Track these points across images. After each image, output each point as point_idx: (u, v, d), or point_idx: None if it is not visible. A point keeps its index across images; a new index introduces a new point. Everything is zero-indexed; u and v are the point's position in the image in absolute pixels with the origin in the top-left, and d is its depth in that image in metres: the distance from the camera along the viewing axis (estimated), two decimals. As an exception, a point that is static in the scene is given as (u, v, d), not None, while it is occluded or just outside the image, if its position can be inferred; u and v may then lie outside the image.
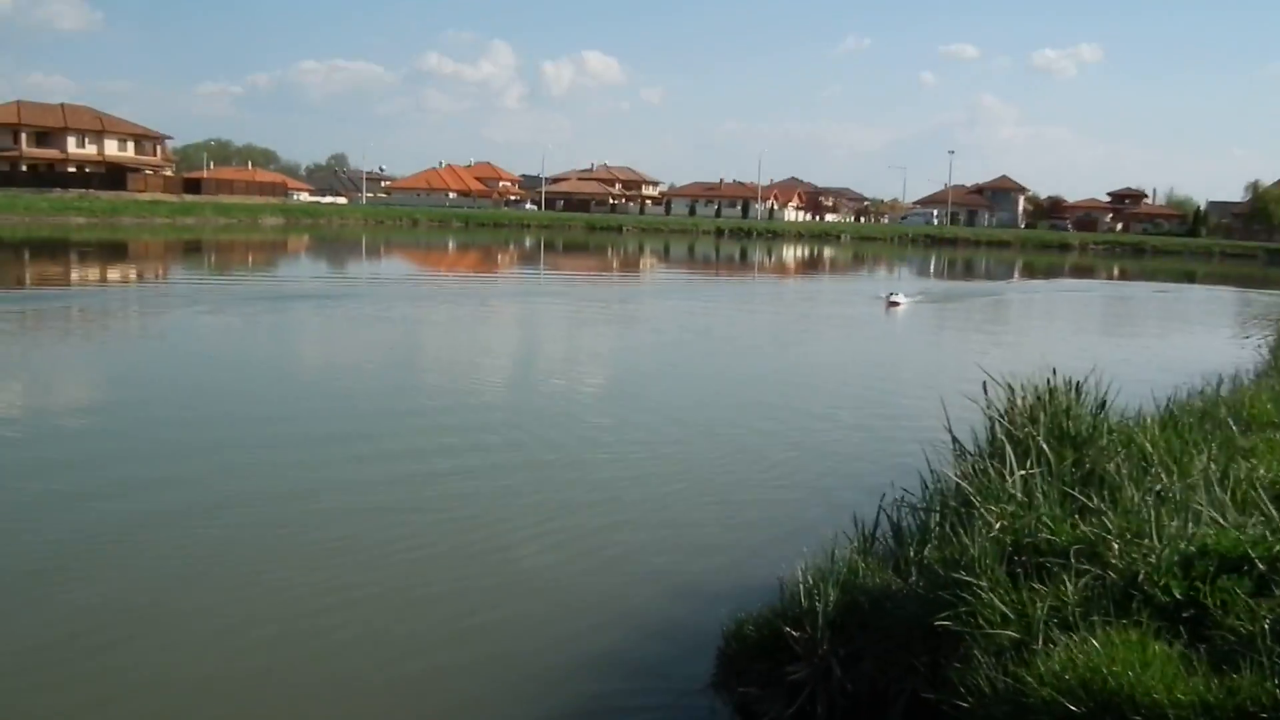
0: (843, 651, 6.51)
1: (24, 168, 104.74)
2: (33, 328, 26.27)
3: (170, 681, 7.36)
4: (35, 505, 10.80)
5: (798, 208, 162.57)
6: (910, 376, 21.45)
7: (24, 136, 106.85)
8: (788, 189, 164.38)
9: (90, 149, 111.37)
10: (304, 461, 12.96)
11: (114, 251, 57.84)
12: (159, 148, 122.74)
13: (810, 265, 77.14)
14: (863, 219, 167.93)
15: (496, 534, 10.39)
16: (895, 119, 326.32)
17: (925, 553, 6.90)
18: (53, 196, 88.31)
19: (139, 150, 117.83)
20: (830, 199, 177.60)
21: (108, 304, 33.27)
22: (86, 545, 9.67)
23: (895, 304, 36.99)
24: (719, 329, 31.33)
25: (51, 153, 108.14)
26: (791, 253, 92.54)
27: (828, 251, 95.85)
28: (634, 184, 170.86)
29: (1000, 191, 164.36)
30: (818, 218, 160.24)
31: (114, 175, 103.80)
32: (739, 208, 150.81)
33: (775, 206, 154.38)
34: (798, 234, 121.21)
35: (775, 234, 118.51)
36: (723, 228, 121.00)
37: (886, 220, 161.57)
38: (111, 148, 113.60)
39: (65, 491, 11.30)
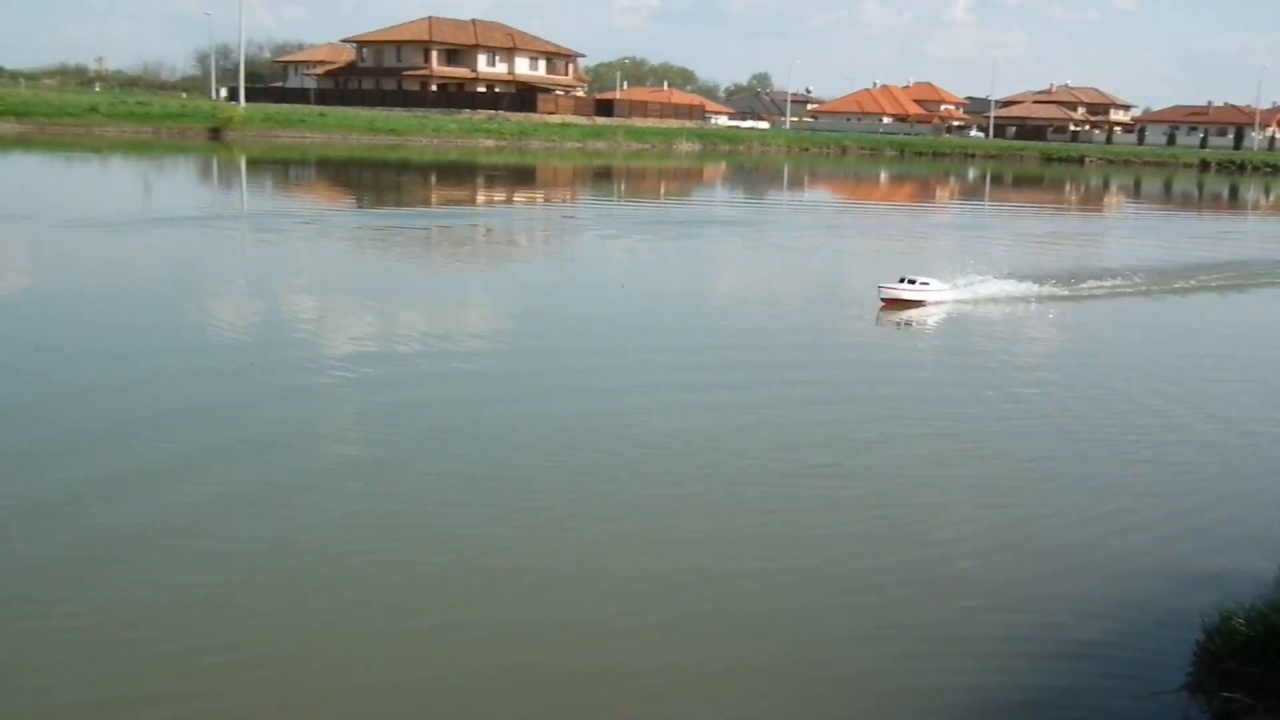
0: (1365, 661, 5.79)
1: (434, 87, 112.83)
2: (439, 244, 29.33)
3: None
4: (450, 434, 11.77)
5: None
6: None
7: (434, 54, 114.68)
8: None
9: (500, 68, 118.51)
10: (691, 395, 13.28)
11: (521, 176, 61.67)
12: (570, 66, 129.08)
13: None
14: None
15: (915, 508, 10.05)
16: None
17: None
18: (461, 118, 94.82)
19: (550, 69, 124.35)
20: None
21: (513, 225, 36.88)
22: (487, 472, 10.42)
23: (896, 301, 20.07)
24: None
25: (461, 72, 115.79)
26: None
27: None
28: (1100, 108, 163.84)
29: None
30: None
31: (524, 96, 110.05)
32: (1230, 136, 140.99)
33: (1276, 135, 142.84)
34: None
35: (1275, 168, 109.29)
36: (1209, 160, 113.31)
37: None
38: (522, 66, 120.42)
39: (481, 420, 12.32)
